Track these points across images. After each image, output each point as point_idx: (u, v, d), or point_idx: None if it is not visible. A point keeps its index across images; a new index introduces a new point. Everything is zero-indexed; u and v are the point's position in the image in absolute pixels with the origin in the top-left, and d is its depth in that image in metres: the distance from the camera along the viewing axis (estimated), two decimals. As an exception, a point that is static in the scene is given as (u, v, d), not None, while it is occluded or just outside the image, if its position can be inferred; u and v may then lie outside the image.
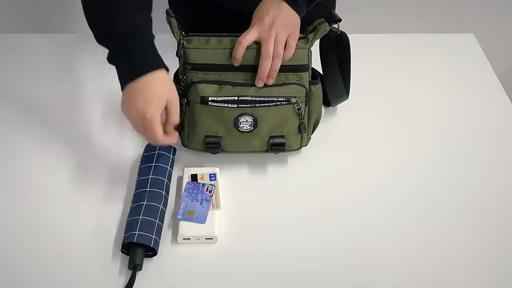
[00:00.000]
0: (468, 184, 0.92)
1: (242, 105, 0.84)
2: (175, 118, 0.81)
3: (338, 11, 1.25)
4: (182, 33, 0.85)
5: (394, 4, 1.90)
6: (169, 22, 0.83)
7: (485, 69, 1.15)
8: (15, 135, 0.98)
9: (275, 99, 0.84)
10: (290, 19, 0.86)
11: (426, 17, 1.94)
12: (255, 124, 0.86)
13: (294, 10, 0.86)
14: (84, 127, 0.99)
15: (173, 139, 0.83)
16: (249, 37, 0.83)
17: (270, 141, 0.89)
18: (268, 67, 0.82)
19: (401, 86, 1.10)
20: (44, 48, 1.15)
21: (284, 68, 0.84)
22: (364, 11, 1.88)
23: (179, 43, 0.84)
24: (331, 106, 1.02)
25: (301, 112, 0.87)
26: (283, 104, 0.85)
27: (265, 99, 0.84)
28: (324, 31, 0.85)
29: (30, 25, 1.90)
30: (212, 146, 0.89)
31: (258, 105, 0.84)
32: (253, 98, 0.84)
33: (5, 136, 0.97)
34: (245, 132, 0.87)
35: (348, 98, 1.00)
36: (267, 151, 0.91)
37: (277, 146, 0.90)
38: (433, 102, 1.07)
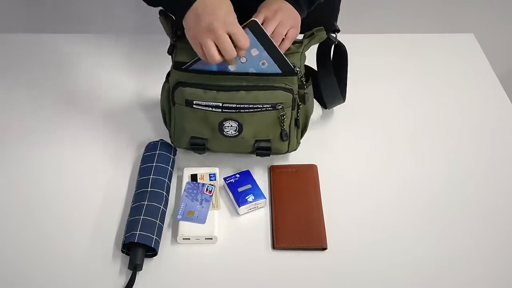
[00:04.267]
0: (468, 183, 0.92)
1: (227, 110, 0.83)
2: (242, 40, 0.78)
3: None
4: (176, 32, 0.84)
5: (394, 4, 1.90)
6: (162, 21, 0.83)
7: (485, 69, 1.15)
8: (15, 134, 0.98)
9: (261, 106, 0.84)
10: (295, 14, 0.87)
11: (426, 17, 1.94)
12: (240, 129, 0.86)
13: (296, 10, 0.88)
14: (85, 127, 0.99)
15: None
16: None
17: (256, 144, 0.88)
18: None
19: (400, 86, 1.10)
20: (44, 48, 1.16)
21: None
22: (364, 11, 1.88)
23: (171, 42, 0.84)
24: (327, 109, 1.02)
25: (284, 119, 0.86)
26: (268, 110, 0.84)
27: (250, 105, 0.83)
28: (320, 38, 0.85)
29: (31, 25, 1.90)
30: (197, 147, 0.90)
31: (243, 111, 0.84)
32: (237, 105, 0.83)
33: (5, 135, 0.97)
34: (230, 136, 0.87)
35: (345, 100, 1.00)
36: (253, 153, 0.90)
37: (263, 150, 0.89)
38: (432, 102, 1.07)
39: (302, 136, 0.93)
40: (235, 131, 0.86)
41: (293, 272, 0.79)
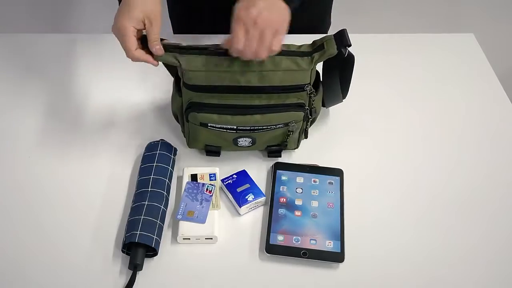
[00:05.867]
0: (467, 183, 0.92)
1: (241, 132, 0.86)
2: (152, 36, 0.80)
3: (338, 10, 1.25)
4: (175, 56, 0.81)
5: (394, 4, 1.91)
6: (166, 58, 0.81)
7: (485, 69, 1.15)
8: (15, 134, 0.98)
9: (274, 126, 0.85)
10: (277, 15, 0.78)
11: (426, 17, 1.94)
12: (253, 142, 0.89)
13: (284, 1, 0.80)
14: (85, 127, 0.99)
15: (148, 58, 0.81)
16: (233, 35, 0.77)
17: (267, 149, 0.93)
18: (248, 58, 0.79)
19: (400, 86, 1.10)
20: (45, 48, 1.16)
21: (284, 88, 0.83)
22: (364, 10, 1.89)
23: (178, 66, 0.82)
24: (325, 107, 1.02)
25: (290, 134, 0.88)
26: (281, 128, 0.86)
27: (264, 126, 0.85)
28: (330, 54, 0.82)
29: (31, 25, 1.90)
30: (212, 153, 0.93)
31: (257, 131, 0.86)
32: (251, 127, 0.85)
33: (5, 136, 0.97)
34: (244, 147, 0.90)
35: (346, 98, 1.00)
36: (265, 150, 0.94)
37: (274, 153, 0.93)
38: (432, 102, 1.07)
39: (310, 125, 0.95)
40: (249, 143, 0.89)
41: (292, 270, 0.79)
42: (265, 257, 0.81)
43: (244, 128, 0.85)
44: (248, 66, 0.80)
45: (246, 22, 0.76)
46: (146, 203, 0.82)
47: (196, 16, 1.18)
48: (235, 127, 0.84)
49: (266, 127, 0.85)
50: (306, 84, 0.83)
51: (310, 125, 0.96)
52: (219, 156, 0.93)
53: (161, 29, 0.82)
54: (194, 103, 0.84)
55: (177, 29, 1.27)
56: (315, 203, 0.86)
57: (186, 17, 1.21)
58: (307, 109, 0.86)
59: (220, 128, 0.85)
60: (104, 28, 1.79)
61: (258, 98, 0.83)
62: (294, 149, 0.94)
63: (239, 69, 0.81)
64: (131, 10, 0.79)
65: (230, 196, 0.87)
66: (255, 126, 0.85)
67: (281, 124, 0.85)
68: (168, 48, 0.82)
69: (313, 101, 0.87)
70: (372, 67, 1.13)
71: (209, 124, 0.84)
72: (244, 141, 0.89)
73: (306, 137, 0.94)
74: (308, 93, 0.85)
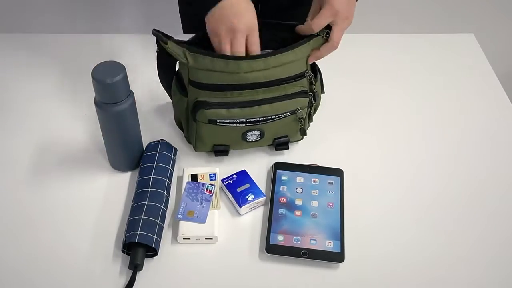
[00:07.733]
0: (467, 183, 0.92)
1: (250, 124, 0.86)
2: (254, 48, 0.81)
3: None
4: (185, 52, 0.81)
5: (394, 4, 1.91)
6: (168, 48, 0.81)
7: (485, 69, 1.15)
8: (13, 135, 0.98)
9: (282, 115, 0.86)
10: (352, 8, 0.83)
11: (426, 17, 1.94)
12: (262, 135, 0.90)
13: None
14: (85, 126, 0.99)
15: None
16: (322, 23, 0.80)
17: (275, 141, 0.93)
18: (327, 55, 0.84)
19: (400, 86, 1.10)
20: (44, 48, 1.16)
21: (286, 79, 0.84)
22: (364, 11, 1.88)
23: (185, 63, 0.83)
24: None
25: (302, 120, 0.89)
26: (288, 116, 0.87)
27: (272, 116, 0.86)
28: (317, 43, 0.84)
29: (31, 25, 1.90)
30: (220, 153, 0.93)
31: (266, 122, 0.86)
32: (260, 118, 0.85)
33: (3, 137, 0.97)
34: (252, 141, 0.91)
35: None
36: (271, 145, 0.95)
37: (282, 145, 0.94)
38: (432, 102, 1.07)
39: (314, 113, 0.97)
40: (257, 137, 0.90)
41: (292, 270, 0.79)
42: (265, 257, 0.81)
43: (253, 119, 0.85)
44: (254, 66, 0.81)
45: (339, 13, 0.79)
46: (146, 203, 0.82)
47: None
48: (244, 120, 0.85)
49: (274, 116, 0.86)
50: (305, 71, 0.85)
51: (314, 112, 0.97)
52: (227, 155, 0.93)
53: (170, 28, 0.82)
54: (200, 102, 0.84)
55: (187, 29, 1.28)
56: (315, 203, 0.86)
57: (197, 17, 1.21)
58: (311, 94, 0.88)
59: (229, 123, 0.85)
60: (101, 28, 1.79)
61: (263, 92, 0.84)
62: (300, 140, 0.95)
63: (246, 69, 0.81)
64: (248, 13, 0.79)
65: (230, 196, 0.87)
66: (264, 117, 0.85)
67: (289, 112, 0.86)
68: (177, 43, 0.81)
69: (314, 86, 0.88)
70: (372, 67, 1.13)
71: (218, 120, 0.84)
72: (252, 135, 0.89)
73: (311, 121, 0.96)
74: (308, 78, 0.86)
